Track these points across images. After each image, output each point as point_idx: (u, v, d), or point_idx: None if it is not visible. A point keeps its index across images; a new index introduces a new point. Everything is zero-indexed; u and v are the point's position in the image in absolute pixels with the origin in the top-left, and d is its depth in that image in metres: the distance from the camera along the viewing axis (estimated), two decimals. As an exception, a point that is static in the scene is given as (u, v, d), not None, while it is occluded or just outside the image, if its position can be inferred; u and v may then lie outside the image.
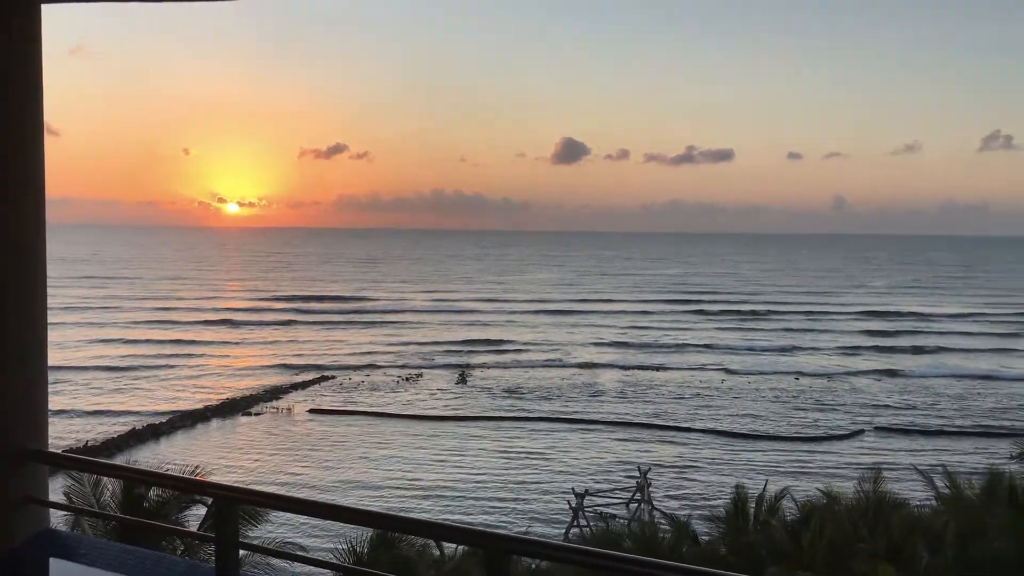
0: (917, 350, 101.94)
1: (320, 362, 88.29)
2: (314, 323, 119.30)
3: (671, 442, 60.17)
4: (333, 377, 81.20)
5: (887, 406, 71.78)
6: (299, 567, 25.96)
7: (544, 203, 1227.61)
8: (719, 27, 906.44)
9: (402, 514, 6.62)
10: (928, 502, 29.83)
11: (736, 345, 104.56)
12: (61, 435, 55.87)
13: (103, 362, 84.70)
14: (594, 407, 70.08)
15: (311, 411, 67.59)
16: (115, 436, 58.04)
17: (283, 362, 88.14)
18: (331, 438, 59.90)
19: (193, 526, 22.87)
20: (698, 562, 23.76)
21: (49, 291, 6.41)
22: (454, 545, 25.63)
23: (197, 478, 13.16)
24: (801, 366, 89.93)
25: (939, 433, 63.50)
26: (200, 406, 67.43)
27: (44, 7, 6.07)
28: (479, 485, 50.37)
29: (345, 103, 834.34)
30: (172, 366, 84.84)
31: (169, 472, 15.18)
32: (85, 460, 7.43)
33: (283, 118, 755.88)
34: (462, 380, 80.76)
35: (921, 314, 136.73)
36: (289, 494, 9.42)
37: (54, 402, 59.21)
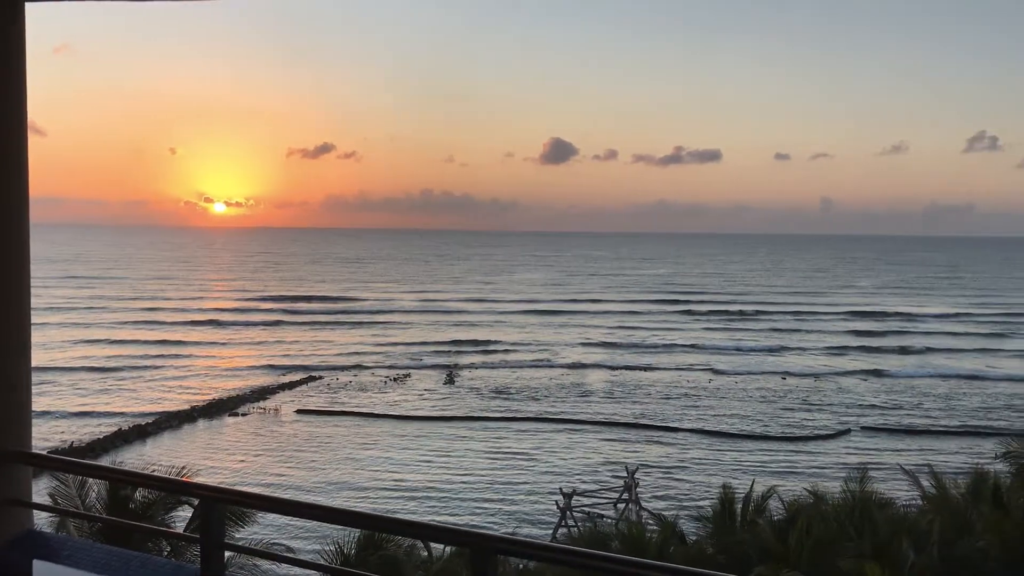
0: (903, 350, 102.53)
1: (307, 362, 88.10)
2: (302, 323, 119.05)
3: (658, 442, 60.30)
4: (320, 377, 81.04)
5: (873, 406, 72.13)
6: (285, 568, 25.87)
7: (532, 203, 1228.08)
8: (707, 28, 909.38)
9: (388, 515, 6.61)
10: (914, 501, 29.96)
11: (723, 345, 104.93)
12: (46, 436, 55.58)
13: (89, 363, 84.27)
14: (582, 407, 70.16)
15: (298, 412, 67.43)
16: (101, 437, 57.77)
17: (270, 362, 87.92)
18: (318, 439, 59.76)
19: (181, 528, 22.77)
20: (686, 562, 23.82)
21: (34, 291, 6.37)
22: (441, 546, 25.62)
23: (182, 479, 13.12)
24: (788, 366, 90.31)
25: (925, 433, 63.87)
26: (187, 407, 67.17)
27: (28, 5, 6.02)
28: (467, 486, 50.35)
29: (333, 102, 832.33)
30: (159, 367, 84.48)
31: (154, 473, 15.10)
32: (69, 461, 7.37)
33: (270, 117, 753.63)
34: (450, 380, 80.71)
35: (907, 314, 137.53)
36: (275, 495, 9.38)
37: (39, 403, 59.07)
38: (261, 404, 69.60)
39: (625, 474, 48.85)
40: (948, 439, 62.20)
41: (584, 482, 50.38)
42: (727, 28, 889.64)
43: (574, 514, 43.79)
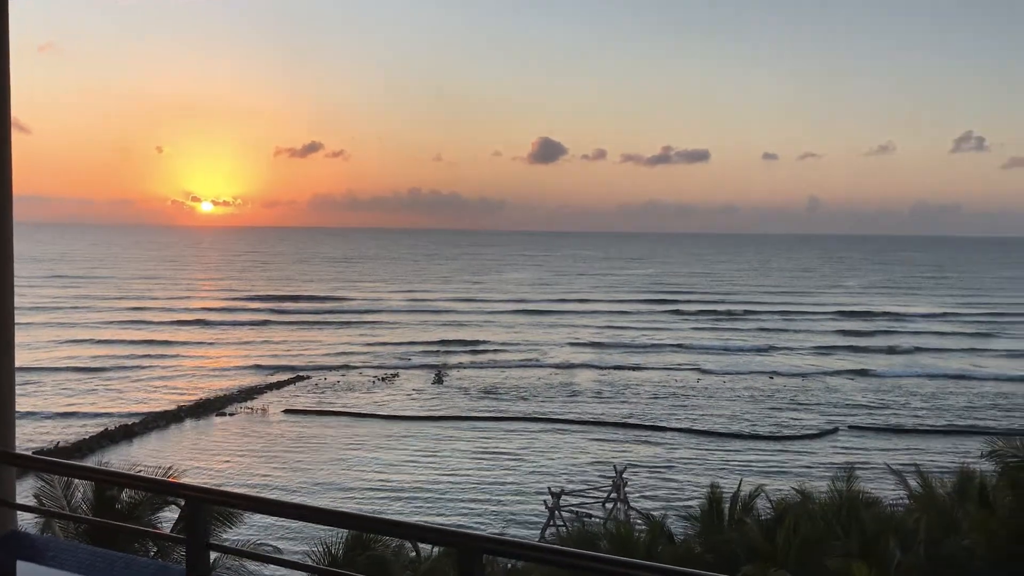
0: (890, 350, 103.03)
1: (295, 362, 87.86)
2: (289, 323, 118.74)
3: (647, 442, 60.39)
4: (308, 377, 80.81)
5: (861, 405, 72.44)
6: (272, 569, 25.76)
7: (521, 202, 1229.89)
8: (696, 29, 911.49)
9: (376, 515, 6.58)
10: (901, 500, 30.10)
11: (712, 345, 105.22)
12: (31, 437, 55.26)
13: (75, 363, 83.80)
14: (570, 407, 70.19)
15: (286, 411, 67.24)
16: (87, 437, 57.46)
17: (258, 362, 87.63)
18: (306, 439, 59.59)
19: (167, 528, 22.66)
20: (674, 561, 23.86)
21: (18, 291, 6.32)
22: (429, 546, 25.56)
23: (168, 479, 13.05)
24: (776, 366, 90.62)
25: (912, 432, 64.18)
26: (173, 407, 66.87)
27: (11, 1, 5.97)
28: (454, 485, 50.30)
29: (320, 101, 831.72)
30: (145, 367, 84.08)
31: (140, 473, 15.02)
32: (53, 462, 7.31)
33: (258, 116, 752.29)
34: (438, 380, 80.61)
35: (894, 314, 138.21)
36: (261, 495, 9.34)
37: (23, 403, 58.72)
38: (248, 404, 69.35)
39: (613, 474, 48.88)
40: (935, 438, 62.51)
41: (572, 482, 50.40)
42: (716, 30, 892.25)
43: (562, 514, 43.78)
